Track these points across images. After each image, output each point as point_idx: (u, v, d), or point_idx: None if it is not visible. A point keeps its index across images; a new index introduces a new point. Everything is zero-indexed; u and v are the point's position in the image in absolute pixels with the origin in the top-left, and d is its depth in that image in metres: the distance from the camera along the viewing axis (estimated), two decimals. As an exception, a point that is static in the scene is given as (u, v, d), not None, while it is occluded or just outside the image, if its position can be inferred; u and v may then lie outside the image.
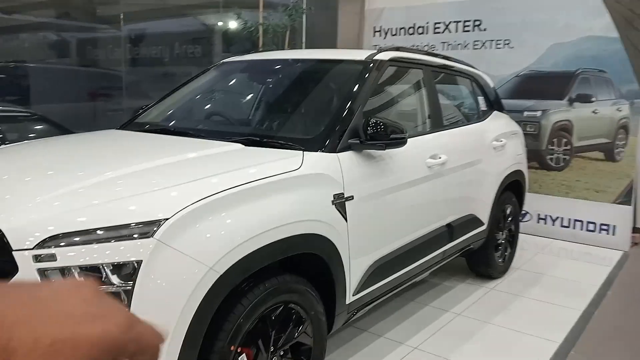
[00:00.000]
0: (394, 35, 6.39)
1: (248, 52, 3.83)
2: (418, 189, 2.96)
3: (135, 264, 1.66)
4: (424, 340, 3.14)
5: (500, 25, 5.63)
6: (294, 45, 6.22)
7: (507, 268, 4.34)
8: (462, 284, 4.08)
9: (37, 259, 1.64)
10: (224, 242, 1.83)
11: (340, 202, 2.36)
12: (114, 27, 8.70)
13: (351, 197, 2.42)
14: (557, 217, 5.43)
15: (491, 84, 4.37)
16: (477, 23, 5.81)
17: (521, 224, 5.13)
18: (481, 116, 4.06)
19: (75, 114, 7.75)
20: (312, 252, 2.25)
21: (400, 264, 2.88)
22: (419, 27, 6.22)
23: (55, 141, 2.93)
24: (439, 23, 6.06)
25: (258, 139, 2.52)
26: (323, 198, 2.29)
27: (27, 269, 1.64)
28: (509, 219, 4.28)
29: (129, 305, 1.65)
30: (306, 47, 6.48)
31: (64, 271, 1.64)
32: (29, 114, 6.47)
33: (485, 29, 5.75)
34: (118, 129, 3.12)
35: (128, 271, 1.66)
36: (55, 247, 1.65)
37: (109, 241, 1.67)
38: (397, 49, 3.17)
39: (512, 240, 4.40)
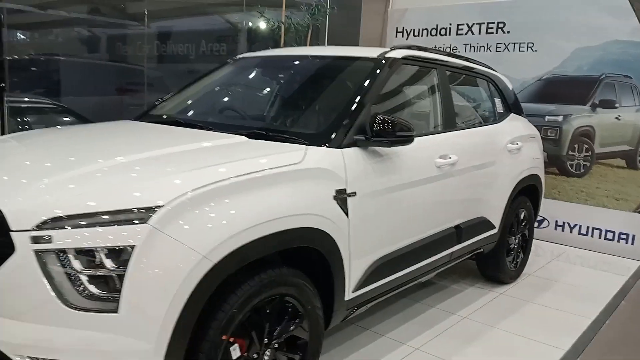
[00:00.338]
0: (416, 36, 6.36)
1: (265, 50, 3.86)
2: (425, 188, 2.94)
3: (129, 249, 1.69)
4: (427, 342, 3.11)
5: (524, 28, 5.54)
6: (315, 45, 6.24)
7: (519, 273, 4.27)
8: (471, 288, 4.02)
9: (34, 240, 1.68)
10: (219, 231, 1.85)
11: (342, 197, 2.36)
12: (142, 23, 8.86)
13: (354, 194, 2.42)
14: (575, 225, 5.31)
15: (510, 86, 4.31)
16: (500, 25, 5.73)
17: (538, 230, 5.05)
18: (497, 118, 4.00)
19: (100, 107, 7.93)
20: (311, 246, 2.25)
21: (404, 263, 2.86)
22: (442, 28, 6.17)
23: (69, 129, 3.01)
24: (462, 24, 5.99)
25: (263, 132, 2.53)
26: (324, 193, 2.29)
27: (24, 250, 1.69)
28: (523, 223, 4.21)
29: (121, 289, 1.68)
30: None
31: (59, 253, 1.68)
32: (54, 106, 6.64)
33: (508, 32, 5.67)
34: (133, 120, 3.18)
35: (121, 256, 1.69)
36: (52, 229, 1.69)
37: (105, 225, 1.71)
38: (410, 47, 3.15)
39: (526, 246, 4.32)
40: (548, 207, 5.18)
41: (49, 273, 1.68)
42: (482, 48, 5.87)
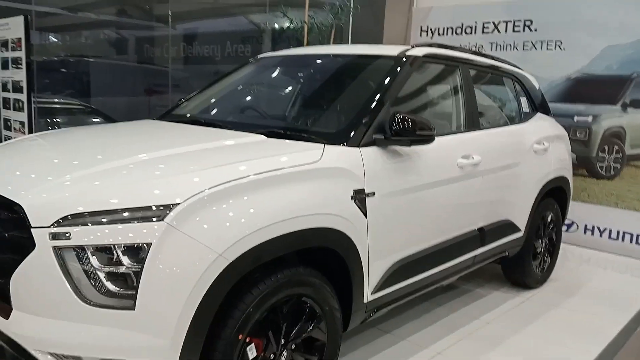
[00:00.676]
0: (441, 34, 6.28)
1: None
2: (447, 189, 2.88)
3: (145, 247, 1.69)
4: (449, 346, 3.05)
5: (552, 25, 5.41)
6: (339, 44, 6.21)
7: (545, 278, 4.16)
8: (496, 292, 3.94)
9: (53, 237, 1.70)
10: (235, 230, 1.84)
11: (360, 197, 2.33)
12: (167, 25, 8.97)
13: (372, 194, 2.38)
14: (605, 228, 5.16)
15: (537, 85, 4.21)
16: (527, 23, 5.61)
17: (566, 234, 4.92)
18: (523, 118, 3.91)
19: (127, 108, 8.06)
20: (328, 246, 2.23)
21: (425, 266, 2.81)
22: (467, 26, 6.07)
23: (92, 128, 3.05)
24: (488, 23, 5.89)
25: (281, 131, 2.52)
26: (342, 192, 2.26)
27: (43, 247, 1.71)
28: (550, 226, 4.10)
29: (137, 286, 1.69)
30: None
31: (78, 250, 1.69)
32: (82, 107, 6.77)
33: (536, 30, 5.55)
34: (155, 119, 3.21)
35: (139, 253, 1.70)
36: (70, 226, 1.71)
37: (123, 223, 1.71)
38: (431, 45, 3.10)
39: (553, 250, 4.21)
40: (577, 210, 5.05)
41: (67, 269, 1.69)
42: (508, 47, 5.76)
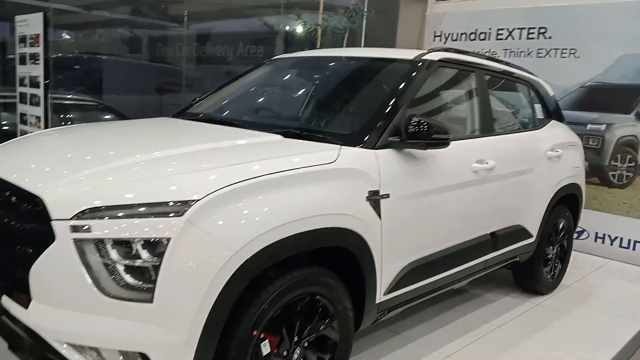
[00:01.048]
0: (454, 40, 6.28)
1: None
2: (461, 193, 2.88)
3: (165, 241, 1.71)
4: (459, 350, 3.05)
5: (566, 33, 5.40)
6: (352, 47, 6.23)
7: (556, 285, 4.15)
8: (506, 297, 3.93)
9: (74, 229, 1.72)
10: (251, 227, 1.86)
11: (375, 199, 2.34)
12: (182, 25, 9.03)
13: (387, 195, 2.39)
14: (616, 237, 5.13)
15: (551, 92, 4.20)
16: (542, 30, 5.60)
17: (577, 241, 4.90)
18: (537, 124, 3.91)
19: (140, 106, 8.12)
20: (342, 246, 2.24)
21: (437, 268, 2.81)
22: (481, 32, 6.08)
23: (109, 124, 3.08)
24: (502, 29, 5.89)
25: (297, 131, 2.53)
26: (357, 194, 2.27)
27: (63, 239, 1.73)
28: (562, 233, 4.09)
29: (156, 280, 1.70)
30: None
31: (98, 243, 1.72)
32: (95, 104, 6.83)
33: (550, 37, 5.54)
34: (172, 117, 3.24)
35: (157, 247, 1.72)
36: (91, 219, 1.73)
37: (142, 217, 1.74)
38: (448, 50, 3.11)
39: (564, 257, 4.20)
40: (588, 218, 5.02)
41: (87, 262, 1.72)
42: (522, 53, 5.75)
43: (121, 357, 1.76)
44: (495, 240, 3.24)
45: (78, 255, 1.72)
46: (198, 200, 1.77)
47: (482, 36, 6.08)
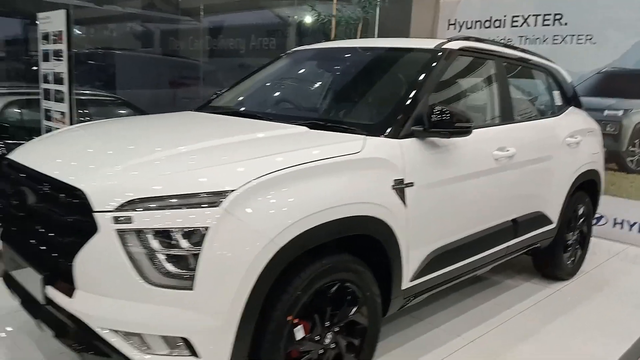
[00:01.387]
0: (469, 28, 6.27)
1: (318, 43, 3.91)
2: (482, 180, 2.92)
3: (203, 231, 1.78)
4: (481, 335, 3.10)
5: (582, 19, 5.38)
6: (365, 38, 6.24)
7: (575, 271, 4.17)
8: (527, 284, 3.97)
9: (116, 220, 1.79)
10: (284, 216, 1.92)
11: (400, 187, 2.39)
12: (195, 18, 9.08)
13: (411, 184, 2.44)
14: (635, 223, 5.14)
15: (569, 79, 4.20)
16: (557, 17, 5.58)
17: (595, 227, 4.91)
18: (556, 111, 3.92)
19: (155, 99, 8.20)
20: (370, 234, 2.29)
21: (461, 255, 2.86)
22: (496, 20, 6.06)
23: (136, 119, 3.15)
24: (517, 16, 5.87)
25: (322, 122, 2.58)
26: (382, 182, 2.32)
27: (106, 230, 1.80)
28: (581, 219, 4.11)
29: (195, 268, 1.77)
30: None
31: (139, 233, 1.78)
32: (114, 99, 6.91)
33: (566, 23, 5.51)
34: (194, 110, 3.30)
35: (196, 237, 1.78)
36: (132, 210, 1.80)
37: (181, 208, 1.80)
38: (467, 38, 3.13)
39: (583, 242, 4.22)
40: (606, 204, 5.01)
41: (129, 251, 1.79)
42: (537, 40, 5.73)
43: (163, 342, 1.84)
44: (516, 226, 3.27)
45: (121, 245, 1.78)
46: (234, 190, 1.83)
47: (496, 23, 6.06)
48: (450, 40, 3.04)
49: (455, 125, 2.48)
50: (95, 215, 1.81)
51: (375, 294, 2.37)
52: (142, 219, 1.78)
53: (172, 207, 1.80)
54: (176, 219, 1.78)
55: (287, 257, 1.94)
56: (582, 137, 3.89)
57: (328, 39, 6.21)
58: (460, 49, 3.00)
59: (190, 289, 1.77)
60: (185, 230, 1.78)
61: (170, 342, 1.84)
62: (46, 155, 2.33)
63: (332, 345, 2.25)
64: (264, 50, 8.92)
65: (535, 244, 3.59)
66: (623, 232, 5.23)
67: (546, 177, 3.52)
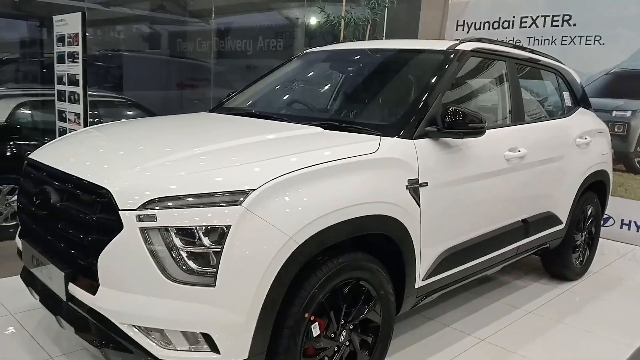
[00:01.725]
0: (477, 29, 6.30)
1: (329, 44, 3.95)
2: (495, 181, 2.95)
3: (225, 228, 1.82)
4: (493, 334, 3.13)
5: (591, 20, 5.40)
6: (374, 39, 6.28)
7: (584, 271, 4.20)
8: (536, 284, 3.99)
9: (140, 218, 1.84)
10: (303, 215, 1.96)
11: (414, 187, 2.42)
12: (203, 20, 9.13)
13: (425, 184, 2.47)
14: (643, 223, 5.15)
15: (578, 80, 4.23)
16: (566, 18, 5.60)
17: (603, 228, 4.92)
18: (566, 112, 3.95)
19: (165, 101, 8.27)
20: (385, 233, 2.33)
21: (472, 254, 2.89)
22: (504, 21, 6.09)
23: (153, 120, 3.20)
24: (526, 17, 5.90)
25: (337, 123, 2.62)
26: (397, 182, 2.36)
27: (130, 228, 1.84)
28: (590, 220, 4.13)
29: (217, 265, 1.81)
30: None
31: (163, 231, 1.83)
32: (123, 100, 6.98)
33: (575, 24, 5.54)
34: (209, 112, 3.35)
35: (218, 234, 1.83)
36: (156, 209, 1.84)
37: (203, 206, 1.84)
38: (480, 40, 3.16)
39: (592, 243, 4.25)
40: (614, 205, 5.03)
41: (153, 249, 1.83)
42: (546, 41, 5.76)
43: (184, 337, 1.88)
44: (526, 226, 3.30)
45: (144, 243, 1.83)
46: (255, 189, 1.87)
47: (505, 24, 6.09)
48: (462, 41, 3.07)
49: (468, 125, 2.52)
50: (120, 213, 1.85)
51: (389, 292, 2.40)
52: (166, 217, 1.83)
53: (194, 205, 1.84)
54: (198, 217, 1.83)
55: (305, 254, 1.98)
56: (591, 138, 3.91)
57: (337, 40, 6.26)
58: (473, 50, 3.03)
59: (212, 285, 1.81)
60: (208, 228, 1.82)
61: (191, 338, 1.88)
62: (68, 155, 2.38)
63: (347, 343, 2.29)
64: (271, 51, 8.96)
65: (544, 244, 3.62)
66: (631, 233, 5.24)
67: (556, 177, 3.55)
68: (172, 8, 9.10)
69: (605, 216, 5.15)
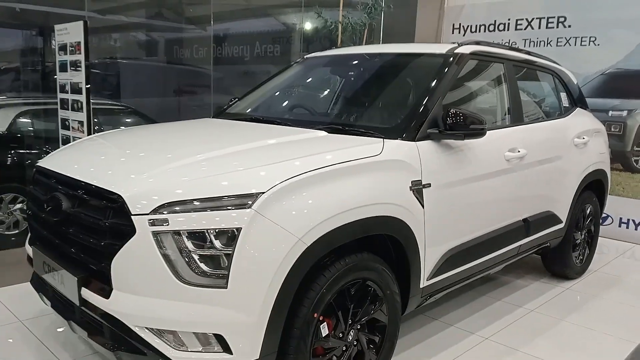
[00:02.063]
0: (473, 32, 6.37)
1: (326, 49, 4.00)
2: (495, 181, 3.00)
3: (235, 231, 1.86)
4: (496, 332, 3.17)
5: (586, 21, 5.48)
6: (371, 43, 6.35)
7: (584, 269, 4.25)
8: (537, 283, 4.04)
9: (152, 222, 1.87)
10: (311, 217, 2.00)
11: (417, 188, 2.47)
12: (200, 27, 9.18)
13: (428, 185, 2.52)
14: (641, 221, 5.21)
15: (574, 81, 4.29)
16: (561, 19, 5.68)
17: (601, 227, 4.97)
18: (563, 112, 4.01)
19: (164, 107, 8.31)
20: (390, 234, 2.38)
21: (475, 254, 2.94)
22: (500, 23, 6.16)
23: (159, 126, 3.24)
24: (521, 19, 5.97)
25: (340, 127, 2.67)
26: (401, 183, 2.41)
27: (143, 232, 1.88)
28: (589, 219, 4.18)
29: (229, 267, 1.85)
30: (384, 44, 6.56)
31: (175, 235, 1.87)
32: (123, 107, 7.02)
33: (570, 26, 5.61)
34: (212, 117, 3.39)
35: (229, 237, 1.87)
36: (168, 213, 1.88)
37: (214, 210, 1.88)
38: (478, 43, 3.22)
39: (591, 241, 4.30)
40: (612, 204, 5.09)
41: (165, 252, 1.87)
42: (542, 43, 5.83)
43: (196, 339, 1.91)
44: (527, 226, 3.35)
45: (157, 246, 1.86)
46: (264, 192, 1.91)
47: (501, 27, 6.16)
48: (461, 44, 3.12)
49: (469, 127, 2.57)
50: (133, 218, 1.89)
51: (395, 292, 2.44)
52: (177, 221, 1.87)
53: (204, 209, 1.88)
54: (210, 221, 1.86)
55: (314, 256, 2.02)
56: (589, 138, 3.97)
57: (334, 45, 6.31)
58: (472, 53, 3.09)
59: (225, 287, 1.85)
60: (219, 231, 1.86)
61: (204, 339, 1.91)
62: (77, 162, 2.42)
63: (355, 342, 2.33)
64: (268, 57, 9.01)
65: (545, 243, 3.66)
66: (629, 231, 5.30)
67: (555, 177, 3.60)
68: (171, 15, 9.15)
69: (603, 215, 5.21)
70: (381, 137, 2.50)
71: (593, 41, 5.46)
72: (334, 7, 6.50)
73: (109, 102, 7.02)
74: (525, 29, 5.94)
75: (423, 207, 2.50)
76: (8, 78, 7.16)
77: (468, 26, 6.41)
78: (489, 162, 2.94)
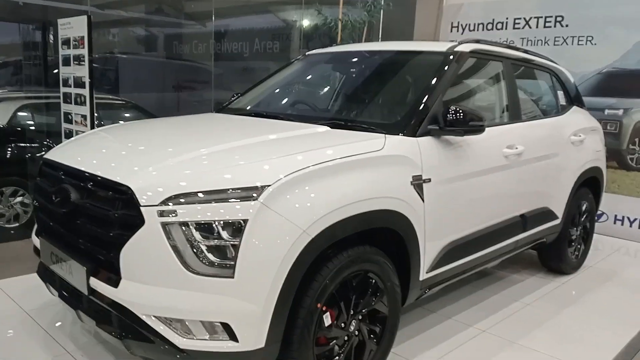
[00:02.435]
0: (471, 30, 6.43)
1: (326, 46, 4.04)
2: (494, 177, 3.06)
3: (242, 223, 1.91)
4: (493, 325, 3.24)
5: (583, 20, 5.54)
6: (370, 41, 6.40)
7: (580, 265, 4.32)
8: (533, 277, 4.11)
9: (161, 214, 1.92)
10: (315, 209, 2.05)
11: (418, 183, 2.53)
12: (201, 23, 9.21)
13: (429, 180, 2.58)
14: (635, 219, 5.29)
15: (571, 79, 4.36)
16: (559, 19, 5.74)
17: (596, 224, 5.05)
18: (560, 110, 4.07)
19: (165, 102, 8.34)
20: (391, 227, 2.43)
21: (473, 248, 3.00)
22: (498, 22, 6.22)
23: (163, 121, 3.28)
24: (519, 18, 6.03)
25: (342, 122, 2.72)
26: (403, 178, 2.46)
27: (152, 223, 1.93)
28: (585, 215, 4.25)
29: (236, 258, 1.90)
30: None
31: (183, 226, 1.92)
32: (123, 102, 7.04)
33: (567, 25, 5.67)
34: (215, 112, 3.44)
35: (236, 228, 1.92)
36: (176, 204, 1.93)
37: (221, 202, 1.93)
38: (478, 41, 3.27)
39: (587, 237, 4.37)
40: (607, 201, 5.16)
41: (173, 243, 1.92)
42: (539, 42, 5.89)
43: (203, 327, 1.97)
44: (524, 221, 3.42)
45: (165, 237, 1.92)
46: (269, 185, 1.97)
47: (499, 26, 6.22)
48: (460, 43, 3.18)
49: (469, 124, 2.62)
50: (142, 209, 1.94)
51: (395, 284, 2.50)
52: (185, 213, 1.92)
53: (212, 201, 1.93)
54: (217, 212, 1.91)
55: (318, 247, 2.08)
56: (585, 135, 4.04)
57: (334, 43, 6.36)
58: (471, 52, 3.14)
59: (231, 277, 1.90)
60: (226, 222, 1.91)
61: (211, 328, 1.97)
62: (84, 155, 2.46)
63: (356, 333, 2.39)
64: (267, 53, 9.05)
65: (541, 239, 3.73)
66: (624, 228, 5.38)
67: (552, 173, 3.67)
68: (172, 11, 9.17)
69: (599, 212, 5.29)
70: (383, 133, 2.55)
71: (590, 40, 5.53)
72: (334, 4, 6.54)
73: (108, 97, 7.04)
74: (522, 28, 6.00)
75: (423, 201, 2.56)
76: (8, 72, 7.18)
77: (466, 25, 6.46)
78: (488, 158, 3.00)
